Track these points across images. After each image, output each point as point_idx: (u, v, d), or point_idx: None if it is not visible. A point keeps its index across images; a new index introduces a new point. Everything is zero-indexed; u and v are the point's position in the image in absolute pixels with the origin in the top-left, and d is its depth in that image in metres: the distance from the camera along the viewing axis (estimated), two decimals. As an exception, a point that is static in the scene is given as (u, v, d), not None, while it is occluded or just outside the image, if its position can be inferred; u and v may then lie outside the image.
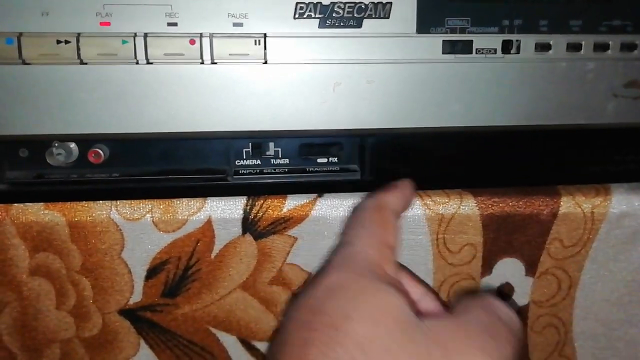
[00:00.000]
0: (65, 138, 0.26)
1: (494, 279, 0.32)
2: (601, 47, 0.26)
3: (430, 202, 0.30)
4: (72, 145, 0.27)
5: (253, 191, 0.28)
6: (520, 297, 0.33)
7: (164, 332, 0.30)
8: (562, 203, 0.31)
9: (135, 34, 0.23)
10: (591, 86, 0.26)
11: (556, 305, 0.34)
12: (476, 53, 0.25)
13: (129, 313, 0.29)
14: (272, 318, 0.31)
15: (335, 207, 0.29)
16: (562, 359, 0.35)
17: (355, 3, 0.24)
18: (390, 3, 0.24)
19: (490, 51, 0.25)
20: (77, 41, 0.22)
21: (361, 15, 0.24)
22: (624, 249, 0.32)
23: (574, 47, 0.25)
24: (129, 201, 0.28)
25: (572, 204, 0.31)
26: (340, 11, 0.24)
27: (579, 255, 0.32)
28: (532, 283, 0.33)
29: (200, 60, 0.23)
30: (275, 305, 0.31)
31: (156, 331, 0.30)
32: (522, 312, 0.33)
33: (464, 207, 0.30)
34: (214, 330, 0.31)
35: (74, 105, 0.24)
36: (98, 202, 0.28)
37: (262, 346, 0.31)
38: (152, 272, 0.29)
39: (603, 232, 0.32)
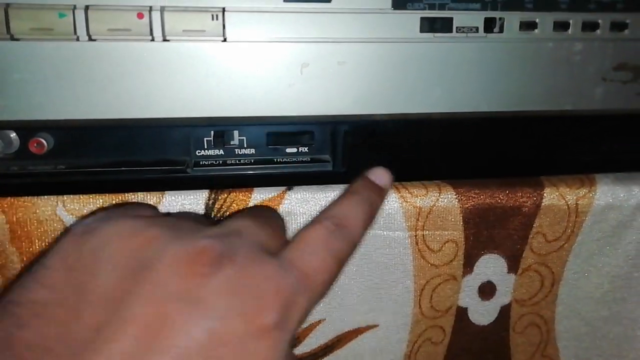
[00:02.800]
0: (2, 126, 0.22)
1: (476, 278, 0.30)
2: (590, 27, 0.23)
3: (407, 195, 0.28)
4: (12, 134, 0.23)
5: (216, 184, 0.25)
6: (502, 296, 0.31)
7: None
8: (545, 195, 0.29)
9: (75, 6, 0.20)
10: (579, 69, 0.24)
11: (538, 304, 0.32)
12: (457, 32, 0.23)
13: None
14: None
15: (305, 201, 0.27)
16: (545, 359, 0.33)
17: (324, -27, 0.21)
18: (363, -27, 0.21)
19: (471, 30, 0.23)
20: (6, 13, 0.19)
21: (330, -13, 0.21)
22: (609, 242, 0.31)
23: (561, 26, 0.23)
24: (77, 196, 0.25)
25: (555, 196, 0.29)
26: (307, -18, 0.21)
27: (562, 250, 0.31)
28: (514, 280, 0.31)
29: (150, 37, 0.20)
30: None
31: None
32: (504, 312, 0.31)
33: (443, 199, 0.28)
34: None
35: (9, 89, 0.21)
36: (42, 197, 0.25)
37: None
38: (105, 275, 0.26)
39: (587, 225, 0.30)
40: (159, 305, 0.15)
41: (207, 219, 0.24)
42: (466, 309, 0.31)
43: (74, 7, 0.20)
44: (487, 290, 0.31)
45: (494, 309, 0.32)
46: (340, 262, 0.19)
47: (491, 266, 0.30)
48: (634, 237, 0.30)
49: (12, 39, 0.20)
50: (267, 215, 0.23)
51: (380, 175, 0.23)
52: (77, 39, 0.20)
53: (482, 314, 0.31)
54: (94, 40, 0.20)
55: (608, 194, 0.29)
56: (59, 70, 0.21)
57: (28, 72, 0.21)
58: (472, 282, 0.30)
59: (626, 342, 0.32)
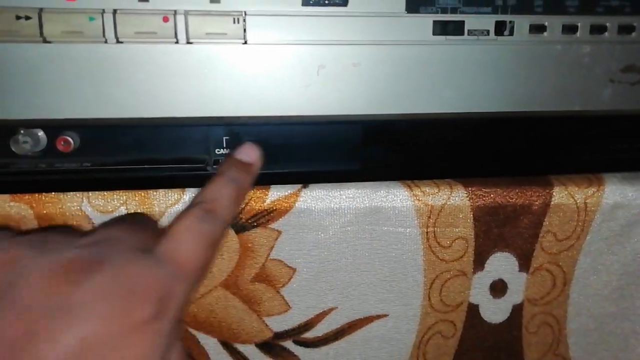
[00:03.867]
0: (31, 124, 0.23)
1: (487, 275, 0.31)
2: (598, 29, 0.24)
3: (419, 193, 0.28)
4: (40, 132, 0.25)
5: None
6: (514, 295, 0.32)
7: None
8: (554, 193, 0.30)
9: (104, 10, 0.21)
10: (587, 70, 0.25)
11: (550, 303, 0.32)
12: (468, 34, 0.23)
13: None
14: (255, 318, 0.29)
15: (321, 199, 0.28)
16: (557, 358, 0.33)
17: (341, -21, 0.22)
18: (377, -21, 0.22)
19: (482, 32, 0.23)
20: (40, 17, 0.20)
21: (346, -9, 0.22)
22: (617, 241, 0.31)
23: (570, 29, 0.24)
24: (102, 192, 0.26)
25: (564, 195, 0.30)
26: (324, -14, 0.22)
27: (572, 249, 0.31)
28: (525, 279, 0.31)
29: (174, 40, 0.21)
30: (258, 304, 0.29)
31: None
32: (516, 311, 0.32)
33: (454, 197, 0.29)
34: (193, 331, 0.29)
35: (39, 89, 0.22)
36: (69, 193, 0.26)
37: (244, 349, 0.30)
38: (127, 269, 0.27)
39: (596, 224, 0.30)
40: (26, 323, 0.15)
41: (77, 231, 0.23)
42: (477, 305, 0.32)
43: (103, 11, 0.21)
44: (498, 288, 0.31)
45: (506, 308, 0.32)
46: (213, 245, 0.20)
47: (502, 264, 0.31)
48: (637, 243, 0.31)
49: (45, 41, 0.21)
50: (137, 218, 0.23)
51: (247, 152, 0.23)
52: (106, 42, 0.21)
53: (494, 312, 0.32)
54: (121, 42, 0.21)
55: (616, 193, 0.30)
56: (88, 72, 0.22)
57: (58, 73, 0.22)
58: (483, 279, 0.31)
59: (633, 337, 0.33)
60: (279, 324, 0.29)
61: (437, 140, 0.26)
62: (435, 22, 0.23)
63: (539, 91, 0.25)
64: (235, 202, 0.22)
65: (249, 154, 0.24)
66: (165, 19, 0.21)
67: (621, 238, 0.31)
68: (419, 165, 0.27)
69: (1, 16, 0.20)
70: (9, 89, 0.21)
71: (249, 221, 0.27)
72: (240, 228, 0.27)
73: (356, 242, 0.29)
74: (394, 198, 0.28)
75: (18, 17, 0.20)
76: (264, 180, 0.27)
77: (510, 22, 0.24)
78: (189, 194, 0.27)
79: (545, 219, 0.30)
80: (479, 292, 0.31)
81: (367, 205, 0.28)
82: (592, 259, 0.31)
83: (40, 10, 0.20)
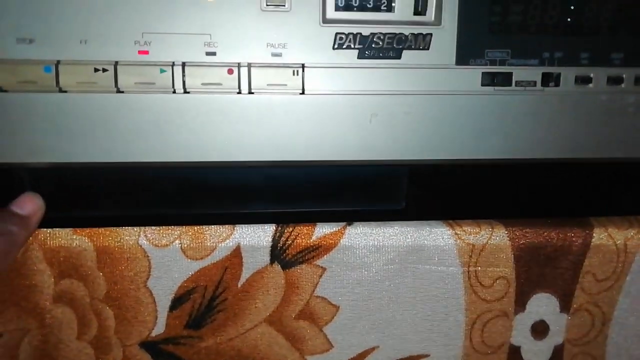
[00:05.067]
0: (102, 166, 0.25)
1: (528, 316, 0.31)
2: (642, 81, 0.25)
3: (461, 232, 0.29)
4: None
5: (283, 218, 0.28)
6: (556, 336, 0.32)
7: (187, 365, 0.29)
8: (594, 235, 0.30)
9: (174, 62, 0.22)
10: (630, 119, 0.25)
11: (589, 343, 0.33)
12: (515, 85, 0.24)
13: (150, 346, 0.29)
14: (298, 357, 0.30)
15: (365, 236, 0.29)
16: (596, 397, 0.34)
17: (395, 34, 0.23)
18: (431, 34, 0.23)
19: (529, 83, 0.24)
20: (115, 69, 0.22)
21: (401, 46, 0.23)
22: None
23: (615, 80, 0.25)
24: (157, 227, 0.28)
25: (604, 236, 0.30)
26: (380, 42, 0.23)
27: (612, 290, 0.31)
28: (566, 320, 0.32)
29: (237, 90, 0.23)
30: (301, 342, 0.30)
31: (179, 363, 0.29)
32: (557, 352, 0.32)
33: (495, 237, 0.30)
34: (238, 363, 0.30)
35: (111, 134, 0.24)
36: (127, 227, 0.27)
37: (286, 382, 0.30)
38: (177, 302, 0.28)
39: (636, 265, 0.31)
40: None
41: None
42: (519, 347, 0.32)
43: (173, 64, 0.22)
44: (540, 329, 0.32)
45: (547, 349, 0.32)
46: None
47: (543, 305, 0.31)
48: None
49: (118, 91, 0.22)
50: None
51: (22, 204, 0.22)
52: (174, 91, 0.23)
53: (536, 353, 0.32)
54: (188, 92, 0.23)
55: (657, 236, 0.30)
56: (156, 119, 0.23)
57: (129, 120, 0.23)
58: (524, 320, 0.31)
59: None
60: None
61: (481, 183, 0.27)
62: (484, 73, 0.24)
63: (582, 138, 0.26)
64: (4, 254, 0.21)
65: (25, 205, 0.23)
66: (230, 71, 0.23)
67: (664, 280, 0.31)
68: (462, 206, 0.28)
69: (81, 69, 0.22)
70: (84, 135, 0.23)
71: (296, 257, 0.28)
72: (286, 264, 0.29)
73: (398, 280, 0.30)
74: (436, 237, 0.29)
75: (96, 70, 0.22)
76: (313, 217, 0.28)
77: (557, 73, 0.24)
78: (239, 230, 0.28)
79: (586, 260, 0.30)
80: (520, 334, 0.32)
81: (409, 243, 0.29)
82: (632, 299, 0.32)
83: (116, 63, 0.22)
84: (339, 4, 0.23)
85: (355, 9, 0.23)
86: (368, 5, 0.23)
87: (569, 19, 0.24)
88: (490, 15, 0.24)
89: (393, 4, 0.24)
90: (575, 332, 0.32)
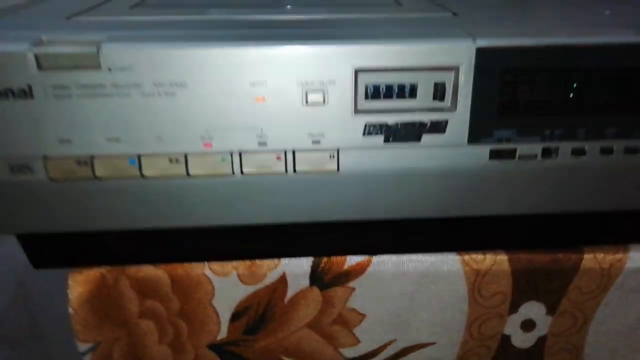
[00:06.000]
0: (176, 229, 0.31)
1: (519, 316, 0.38)
2: (631, 150, 0.29)
3: (469, 260, 0.35)
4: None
5: (320, 252, 0.34)
6: (541, 330, 0.39)
7: (247, 360, 0.37)
8: (584, 259, 0.36)
9: (232, 152, 0.27)
10: (619, 181, 0.30)
11: (571, 335, 0.39)
12: (519, 159, 0.29)
13: (216, 347, 0.36)
14: (332, 350, 0.37)
15: (388, 264, 0.35)
16: (573, 378, 0.41)
17: (416, 122, 0.28)
18: (447, 120, 0.28)
19: (531, 157, 0.29)
20: (186, 159, 0.27)
21: (420, 132, 0.28)
22: (635, 296, 0.37)
23: (607, 151, 0.29)
24: (219, 262, 0.34)
25: (593, 261, 0.36)
26: (403, 130, 0.28)
27: (595, 299, 0.38)
28: (551, 320, 0.38)
29: (284, 171, 0.28)
30: (335, 340, 0.37)
31: None
32: (540, 340, 0.39)
33: (498, 264, 0.35)
34: (285, 358, 0.37)
35: (184, 207, 0.29)
36: (195, 262, 0.34)
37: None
38: (236, 316, 0.36)
39: (618, 282, 0.37)
40: None
41: None
42: (509, 336, 0.39)
43: (232, 153, 0.27)
44: (528, 325, 0.39)
45: (532, 338, 0.39)
46: None
47: (533, 309, 0.38)
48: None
49: (188, 176, 0.28)
50: None
51: None
52: (233, 174, 0.28)
53: (523, 340, 0.39)
54: (244, 174, 0.28)
55: (638, 261, 0.35)
56: (218, 196, 0.29)
57: (197, 197, 0.29)
58: (516, 319, 0.38)
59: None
60: (350, 352, 0.38)
61: (489, 223, 0.32)
62: (492, 150, 0.28)
63: (577, 197, 0.30)
64: None
65: None
66: (279, 157, 0.28)
67: (636, 294, 0.37)
68: (471, 240, 0.34)
69: (158, 160, 0.27)
70: (162, 210, 0.29)
71: (331, 281, 0.35)
72: (323, 286, 0.35)
73: (415, 295, 0.36)
74: (448, 264, 0.35)
75: (170, 161, 0.27)
76: (348, 249, 0.34)
77: (555, 147, 0.29)
78: (284, 261, 0.34)
79: (574, 279, 0.36)
80: (511, 327, 0.38)
81: (425, 269, 0.35)
82: (612, 307, 0.38)
83: (186, 155, 0.27)
84: (369, 94, 0.27)
85: (382, 96, 0.27)
86: (394, 93, 0.27)
87: (568, 101, 0.28)
88: (498, 100, 0.28)
89: (415, 92, 0.27)
90: (558, 328, 0.39)
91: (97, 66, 0.25)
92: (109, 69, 0.25)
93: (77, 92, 0.26)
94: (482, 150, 0.29)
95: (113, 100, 0.26)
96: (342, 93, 0.27)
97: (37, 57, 0.25)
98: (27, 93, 0.26)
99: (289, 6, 0.36)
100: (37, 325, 0.88)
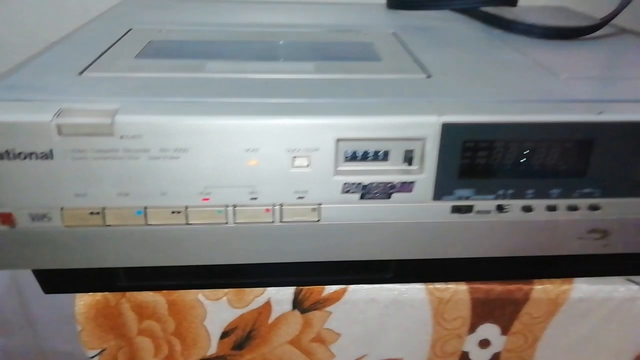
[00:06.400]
0: (177, 268, 0.35)
1: (476, 336, 0.43)
2: (573, 208, 0.34)
3: (434, 290, 0.40)
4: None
5: (302, 283, 0.38)
6: (496, 348, 0.44)
7: (235, 373, 0.42)
8: (534, 290, 0.41)
9: (227, 205, 0.32)
10: (562, 233, 0.35)
11: (522, 352, 0.45)
12: (476, 213, 0.33)
13: (209, 361, 0.41)
14: (311, 363, 0.42)
15: (361, 292, 0.40)
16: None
17: (388, 183, 0.32)
18: (414, 181, 0.32)
19: (487, 212, 0.33)
20: (186, 212, 0.31)
21: (391, 191, 0.32)
22: (579, 320, 0.43)
23: (551, 208, 0.34)
24: (212, 290, 0.38)
25: (542, 291, 0.41)
26: (376, 189, 0.32)
27: (543, 323, 0.43)
28: (505, 339, 0.44)
29: (272, 221, 0.32)
30: (314, 355, 0.42)
31: (229, 372, 0.42)
32: (495, 356, 0.44)
33: (459, 294, 0.40)
34: (269, 371, 0.42)
35: (182, 249, 0.34)
36: (189, 290, 0.38)
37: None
38: (226, 334, 0.40)
39: (564, 309, 0.42)
40: None
41: None
42: (468, 352, 0.45)
43: (226, 206, 0.32)
44: (484, 343, 0.44)
45: (488, 354, 0.45)
46: None
47: (489, 330, 0.43)
48: (593, 321, 0.42)
49: (188, 224, 0.32)
50: None
51: None
52: (227, 223, 0.32)
53: (480, 356, 0.45)
54: (238, 224, 0.32)
55: (581, 291, 0.41)
56: (215, 241, 0.33)
57: (196, 242, 0.33)
58: (473, 338, 0.44)
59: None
60: (327, 366, 0.43)
61: (453, 271, 0.37)
62: (453, 206, 0.33)
63: (525, 244, 0.35)
64: None
65: None
66: (267, 210, 0.32)
67: (581, 319, 0.42)
68: (436, 274, 0.38)
69: (162, 212, 0.31)
70: (164, 251, 0.33)
71: (310, 306, 0.40)
72: (303, 310, 0.40)
73: (385, 319, 0.41)
74: (415, 293, 0.40)
75: (173, 212, 0.31)
76: (326, 282, 0.38)
77: (507, 204, 0.33)
78: (269, 290, 0.38)
79: (525, 307, 0.41)
80: (469, 345, 0.44)
81: (394, 297, 0.40)
82: (558, 330, 0.43)
83: (186, 207, 0.31)
84: (347, 157, 0.32)
85: (359, 159, 0.32)
86: (369, 157, 0.32)
87: (519, 166, 0.32)
88: (459, 165, 0.32)
89: (388, 156, 0.32)
90: (510, 345, 0.44)
91: (110, 134, 0.29)
92: (121, 137, 0.29)
93: (93, 154, 0.29)
94: (445, 206, 0.33)
95: (124, 162, 0.30)
96: (325, 158, 0.31)
97: (58, 127, 0.29)
98: (48, 155, 0.29)
99: (282, 59, 0.40)
100: (29, 314, 0.92)
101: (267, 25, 0.52)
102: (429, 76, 0.38)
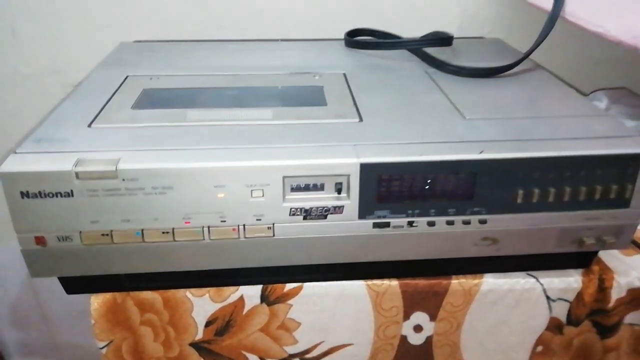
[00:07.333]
0: (169, 273, 0.46)
1: (411, 322, 0.54)
2: (467, 222, 0.45)
3: (372, 285, 0.51)
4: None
5: (265, 281, 0.49)
6: (427, 332, 0.55)
7: (215, 354, 0.53)
8: (452, 284, 0.52)
9: (203, 227, 0.43)
10: (460, 241, 0.46)
11: (450, 335, 0.56)
12: (392, 228, 0.44)
13: (195, 345, 0.53)
14: (278, 347, 0.54)
15: (313, 288, 0.51)
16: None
17: (324, 207, 0.43)
18: (343, 205, 0.43)
19: (400, 227, 0.44)
20: (173, 232, 0.42)
21: (327, 213, 0.43)
22: (488, 309, 0.54)
23: (451, 223, 0.45)
24: (197, 289, 0.49)
25: (458, 285, 0.52)
26: (315, 211, 0.43)
27: (462, 310, 0.54)
28: (434, 325, 0.55)
29: (238, 237, 0.43)
30: (280, 340, 0.53)
31: (211, 354, 0.53)
32: (428, 339, 0.55)
33: (392, 288, 0.51)
34: (245, 352, 0.54)
35: (171, 259, 0.45)
36: (179, 289, 0.49)
37: None
38: (209, 323, 0.52)
39: (477, 299, 0.53)
40: None
41: None
42: (406, 336, 0.56)
43: (203, 227, 0.42)
44: (418, 329, 0.55)
45: (422, 337, 0.56)
46: None
47: (420, 318, 0.54)
48: (503, 308, 0.53)
49: (174, 241, 0.43)
50: None
51: None
52: (203, 239, 0.43)
53: (416, 339, 0.56)
54: (212, 240, 0.43)
55: (490, 285, 0.52)
56: (194, 252, 0.44)
57: (182, 253, 0.44)
58: (408, 324, 0.55)
59: (512, 350, 0.57)
60: (291, 349, 0.54)
61: (387, 266, 0.48)
62: (374, 223, 0.44)
63: (433, 250, 0.46)
64: None
65: None
66: (234, 230, 0.43)
67: (490, 307, 0.53)
68: (373, 273, 0.49)
69: (154, 232, 0.42)
70: (157, 262, 0.44)
71: (275, 300, 0.51)
72: (269, 303, 0.51)
73: (335, 310, 0.52)
74: (356, 289, 0.51)
75: (163, 232, 0.42)
76: (290, 280, 0.49)
77: (415, 220, 0.44)
78: (242, 288, 0.49)
79: (446, 297, 0.52)
80: (406, 330, 0.55)
81: (340, 291, 0.51)
82: (474, 316, 0.54)
83: (173, 229, 0.42)
84: (292, 188, 0.43)
85: (302, 190, 0.43)
86: (310, 188, 0.43)
87: (424, 192, 0.43)
88: (377, 192, 0.43)
89: (323, 187, 0.43)
90: (439, 330, 0.56)
91: (115, 177, 0.40)
92: (123, 179, 0.40)
93: (102, 192, 0.40)
94: (368, 224, 0.44)
95: (125, 197, 0.41)
96: (275, 190, 0.42)
97: (76, 173, 0.39)
98: (69, 194, 0.40)
99: (246, 107, 0.51)
100: (44, 311, 1.04)
101: (240, 67, 0.62)
102: (360, 120, 0.48)
